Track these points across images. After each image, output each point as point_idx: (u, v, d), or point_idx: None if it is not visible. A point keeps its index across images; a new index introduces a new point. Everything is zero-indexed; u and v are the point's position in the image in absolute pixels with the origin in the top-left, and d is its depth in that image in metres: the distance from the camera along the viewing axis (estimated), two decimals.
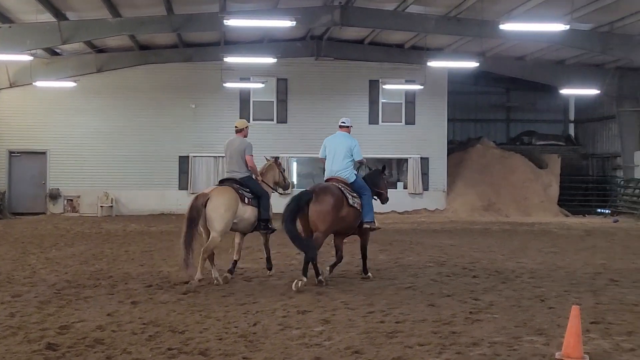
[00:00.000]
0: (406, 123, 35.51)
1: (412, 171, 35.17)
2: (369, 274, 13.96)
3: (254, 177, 14.13)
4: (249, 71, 33.71)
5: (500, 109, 42.83)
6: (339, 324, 9.78)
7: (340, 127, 14.21)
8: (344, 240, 14.36)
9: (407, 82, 34.82)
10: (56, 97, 33.06)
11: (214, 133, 34.07)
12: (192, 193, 33.63)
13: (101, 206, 33.09)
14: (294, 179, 36.12)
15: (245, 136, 14.30)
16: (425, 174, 35.22)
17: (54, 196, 33.38)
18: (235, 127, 14.43)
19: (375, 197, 14.44)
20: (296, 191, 31.65)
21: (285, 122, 34.87)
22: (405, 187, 35.46)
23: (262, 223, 13.92)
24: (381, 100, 35.42)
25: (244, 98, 34.55)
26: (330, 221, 12.78)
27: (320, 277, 13.06)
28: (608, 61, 33.81)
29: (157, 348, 8.43)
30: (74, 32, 26.84)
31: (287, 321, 9.97)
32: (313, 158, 36.06)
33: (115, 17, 26.41)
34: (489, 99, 42.63)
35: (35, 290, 12.30)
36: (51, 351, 8.26)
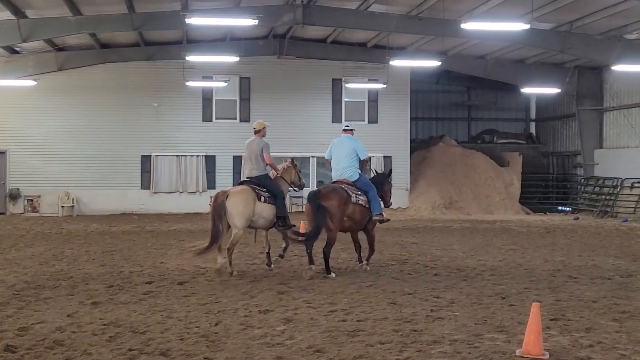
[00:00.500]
0: (369, 122, 35.56)
1: (376, 169, 35.20)
2: (367, 266, 15.02)
3: (270, 174, 15.17)
4: (212, 70, 33.57)
5: (462, 107, 43.06)
6: (300, 323, 9.80)
7: (344, 130, 15.40)
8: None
9: (370, 80, 34.88)
10: (16, 96, 32.64)
11: (177, 132, 33.97)
12: (155, 192, 33.55)
13: (62, 206, 32.76)
14: None
15: (263, 136, 15.27)
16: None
17: (14, 196, 32.98)
18: (254, 128, 15.38)
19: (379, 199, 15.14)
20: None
21: (248, 121, 34.63)
22: None
23: (280, 220, 14.66)
24: (344, 99, 35.43)
25: (207, 97, 34.40)
26: (339, 219, 13.84)
27: (312, 266, 13.98)
28: (568, 60, 34.15)
29: (117, 349, 8.38)
30: (34, 30, 26.52)
31: (248, 321, 9.96)
32: (276, 157, 36.01)
33: (76, 15, 26.15)
34: (450, 97, 42.86)
35: None
36: (10, 353, 8.18)
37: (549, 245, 20.35)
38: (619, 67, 28.80)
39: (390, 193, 15.94)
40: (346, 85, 34.78)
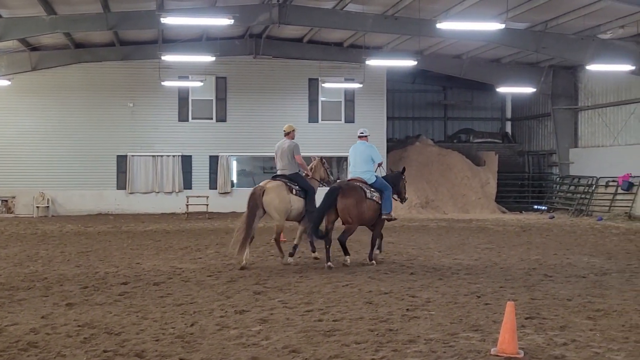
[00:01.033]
0: (346, 121, 35.60)
1: None
2: (374, 261, 15.84)
3: (301, 173, 16.25)
4: (188, 69, 33.49)
5: (438, 107, 43.21)
6: (276, 323, 9.78)
7: (360, 137, 16.10)
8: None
9: (346, 80, 34.94)
10: None
11: (153, 132, 33.86)
12: (131, 193, 33.40)
13: (37, 207, 32.54)
14: (234, 178, 36.00)
15: (293, 138, 16.31)
16: None
17: None
18: (284, 131, 16.50)
19: (395, 195, 16.34)
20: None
21: (225, 120, 34.71)
22: None
23: (310, 213, 15.67)
24: (321, 98, 35.47)
25: (183, 96, 34.30)
26: (357, 214, 15.06)
27: (315, 254, 16.10)
28: (543, 60, 34.35)
29: (92, 350, 8.32)
30: (8, 30, 26.35)
31: (224, 321, 9.93)
32: (253, 157, 36.05)
33: (50, 14, 25.99)
34: (426, 97, 43.00)
35: None
36: None
37: (525, 244, 20.45)
38: (593, 67, 29.01)
39: (405, 189, 17.00)
40: (323, 84, 34.81)
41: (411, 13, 26.81)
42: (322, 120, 35.38)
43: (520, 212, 35.77)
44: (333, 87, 34.87)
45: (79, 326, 9.56)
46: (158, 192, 33.94)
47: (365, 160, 15.67)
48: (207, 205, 31.69)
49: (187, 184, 34.05)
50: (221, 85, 34.66)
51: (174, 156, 33.98)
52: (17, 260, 16.68)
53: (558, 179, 37.20)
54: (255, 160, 36.94)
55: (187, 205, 31.61)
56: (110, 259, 16.78)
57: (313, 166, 16.92)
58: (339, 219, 15.42)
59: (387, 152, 36.06)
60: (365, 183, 15.51)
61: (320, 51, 34.36)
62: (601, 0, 23.79)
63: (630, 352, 8.30)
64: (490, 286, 12.83)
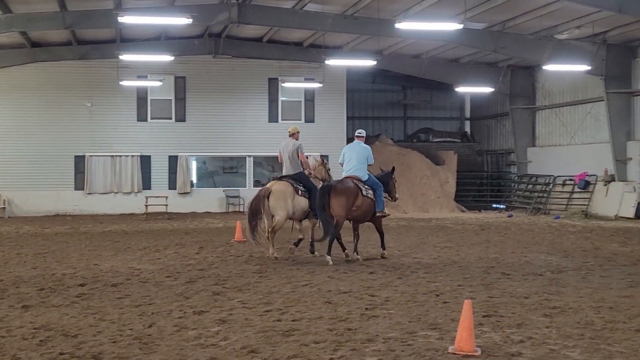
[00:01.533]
0: (306, 121, 35.60)
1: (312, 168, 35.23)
2: (385, 252, 16.80)
3: (305, 172, 16.92)
4: (146, 69, 33.28)
5: (397, 106, 43.36)
6: (235, 324, 9.75)
7: (357, 137, 16.85)
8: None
9: (306, 80, 34.96)
10: None
11: (111, 132, 33.61)
12: (89, 193, 33.11)
13: None
14: (193, 178, 35.84)
15: (297, 139, 16.91)
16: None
17: None
18: (289, 132, 17.06)
19: (385, 194, 16.97)
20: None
21: (184, 120, 34.55)
22: None
23: (313, 211, 16.51)
24: (280, 98, 35.45)
25: (141, 96, 34.08)
26: (347, 208, 15.64)
27: (346, 252, 16.37)
28: (501, 60, 34.65)
29: (48, 353, 8.23)
30: None
31: (183, 322, 9.88)
32: (213, 157, 35.92)
33: (6, 13, 25.67)
34: (386, 96, 43.13)
35: None
36: None
37: (483, 242, 20.60)
38: (550, 67, 29.35)
39: (395, 188, 17.61)
40: (282, 84, 34.81)
41: (370, 13, 26.89)
42: (282, 119, 35.34)
43: (479, 210, 36.04)
44: (293, 86, 34.87)
45: (35, 329, 9.44)
46: (117, 193, 33.69)
47: (361, 159, 16.31)
48: (167, 205, 31.51)
49: (146, 184, 33.85)
50: (180, 85, 34.49)
51: (132, 156, 33.75)
52: None
53: (516, 177, 37.56)
54: (215, 160, 36.80)
55: (146, 205, 31.40)
56: (67, 261, 16.61)
57: (316, 166, 17.69)
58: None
59: None
60: (360, 180, 16.16)
61: (280, 51, 34.33)
62: (558, 1, 24.03)
63: (585, 349, 8.40)
64: (448, 285, 12.91)
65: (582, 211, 30.75)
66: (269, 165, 37.23)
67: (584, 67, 28.71)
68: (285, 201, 16.15)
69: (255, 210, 16.07)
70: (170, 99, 34.49)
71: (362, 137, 16.88)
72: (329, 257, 15.72)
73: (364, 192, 15.99)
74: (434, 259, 16.58)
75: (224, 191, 34.70)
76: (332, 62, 30.99)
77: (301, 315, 10.28)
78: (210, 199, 34.52)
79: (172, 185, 34.10)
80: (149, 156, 33.99)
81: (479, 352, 8.13)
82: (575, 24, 27.03)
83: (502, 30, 28.47)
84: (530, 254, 17.71)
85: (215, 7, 27.08)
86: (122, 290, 12.49)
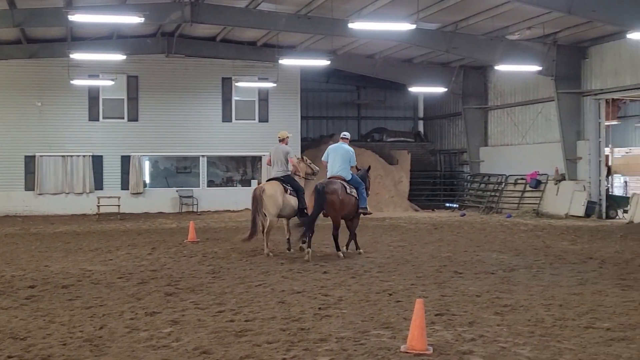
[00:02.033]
0: (260, 120, 35.55)
1: (266, 169, 35.17)
2: (360, 250, 17.59)
3: (296, 176, 17.95)
4: (98, 68, 32.90)
5: (351, 106, 43.44)
6: (188, 325, 9.70)
7: (342, 139, 17.66)
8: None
9: (260, 79, 34.89)
10: None
11: (62, 131, 33.21)
12: (40, 194, 32.68)
13: None
14: (146, 179, 35.55)
15: (286, 144, 17.88)
16: None
17: None
18: (279, 137, 17.95)
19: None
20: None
21: (137, 120, 34.26)
22: (259, 185, 35.44)
23: (300, 211, 17.45)
24: (234, 97, 35.31)
25: (93, 95, 33.71)
26: (339, 208, 16.56)
27: (341, 251, 17.03)
28: (453, 60, 34.89)
29: None
30: None
31: (134, 323, 9.81)
32: (166, 156, 35.68)
33: None
34: (340, 96, 43.17)
35: None
36: None
37: (436, 241, 20.73)
38: (501, 67, 29.64)
39: (369, 186, 18.43)
40: (236, 84, 34.68)
41: (324, 13, 26.90)
42: (235, 119, 35.25)
43: (433, 210, 36.26)
44: (247, 86, 34.77)
45: None
46: (68, 193, 33.29)
47: (345, 160, 17.06)
48: (119, 206, 31.23)
49: (98, 185, 33.51)
50: (133, 84, 34.19)
51: (84, 156, 33.38)
52: None
53: (469, 177, 37.87)
54: (168, 160, 36.56)
55: (98, 206, 31.10)
56: (17, 262, 16.38)
57: (298, 164, 18.39)
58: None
59: (302, 151, 36.05)
60: (345, 180, 16.94)
61: (234, 50, 34.19)
62: (509, 2, 24.26)
63: (535, 346, 8.50)
64: (401, 284, 12.97)
65: (534, 210, 31.11)
66: (223, 165, 37.12)
67: (535, 68, 29.05)
68: (276, 199, 17.04)
69: (255, 215, 17.04)
70: (123, 99, 34.16)
71: (347, 139, 17.67)
72: (341, 252, 16.89)
73: (348, 191, 16.81)
74: (388, 258, 16.64)
75: (177, 191, 34.49)
76: (286, 61, 30.98)
77: (254, 315, 10.27)
78: (163, 199, 34.29)
79: (124, 185, 33.79)
80: (101, 156, 33.64)
81: (430, 351, 8.19)
82: (526, 24, 27.34)
83: (455, 30, 28.68)
84: (483, 252, 17.87)
85: (167, 6, 26.89)
86: (72, 292, 12.35)
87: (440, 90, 35.59)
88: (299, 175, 18.14)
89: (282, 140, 17.87)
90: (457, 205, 36.62)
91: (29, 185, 33.06)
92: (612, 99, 30.47)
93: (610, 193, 30.87)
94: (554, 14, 25.22)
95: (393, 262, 15.93)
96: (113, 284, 13.19)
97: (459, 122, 38.58)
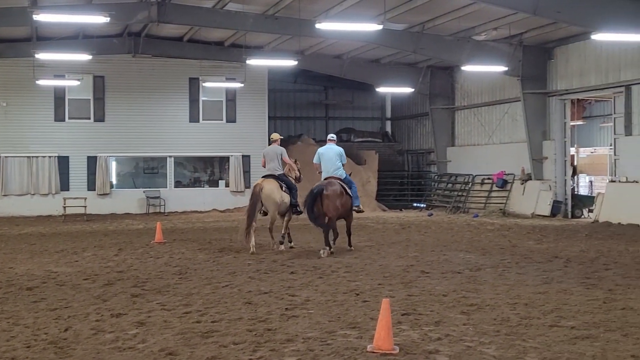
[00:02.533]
0: (227, 121, 35.48)
1: (234, 169, 35.16)
2: (352, 247, 18.27)
3: (291, 176, 19.07)
4: (64, 68, 32.61)
5: (319, 106, 43.47)
6: (154, 326, 9.66)
7: (330, 140, 18.69)
8: None
9: (228, 80, 34.79)
10: None
11: (27, 132, 32.88)
12: (5, 195, 32.35)
13: None
14: (113, 179, 35.35)
15: (279, 144, 19.05)
16: (246, 172, 35.27)
17: None
18: (271, 138, 19.21)
19: None
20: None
21: (103, 120, 34.02)
22: (227, 185, 35.42)
23: (293, 207, 18.61)
24: (201, 98, 35.19)
25: (59, 96, 33.41)
26: (337, 207, 17.24)
27: (334, 246, 17.62)
28: (420, 60, 35.02)
29: None
30: None
31: (100, 325, 9.75)
32: (133, 157, 35.49)
33: None
34: (308, 96, 43.20)
35: None
36: None
37: (404, 241, 20.80)
38: (468, 67, 29.79)
39: None
40: (203, 84, 34.55)
41: (291, 13, 26.88)
42: (203, 119, 35.15)
43: (400, 209, 36.37)
44: (214, 86, 34.65)
45: None
46: (33, 194, 32.97)
47: (336, 159, 17.97)
48: (85, 207, 31.02)
49: (64, 186, 33.23)
50: (99, 85, 33.95)
51: (50, 157, 33.08)
52: None
53: (436, 177, 38.02)
54: (134, 160, 36.37)
55: (64, 207, 30.87)
56: None
57: (290, 167, 19.30)
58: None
59: None
60: (340, 180, 17.76)
61: (201, 50, 34.06)
62: (475, 3, 24.39)
63: (500, 345, 8.56)
64: (368, 283, 13.00)
65: (500, 209, 31.30)
66: (190, 165, 36.99)
67: (501, 68, 29.23)
68: (274, 195, 17.97)
69: (254, 209, 17.66)
70: (89, 99, 33.90)
71: (334, 140, 18.74)
72: (328, 249, 17.29)
73: (347, 191, 17.71)
74: (355, 258, 16.67)
75: (144, 192, 34.29)
76: (253, 62, 30.92)
77: (221, 316, 10.24)
78: (130, 200, 34.08)
79: (91, 186, 33.53)
80: (67, 157, 33.36)
81: (397, 351, 8.22)
82: (492, 25, 27.50)
83: (422, 31, 28.78)
84: (449, 252, 17.95)
85: (134, 5, 26.73)
86: (37, 293, 12.25)
87: (407, 90, 35.73)
88: (291, 176, 19.10)
89: (275, 142, 18.99)
90: (425, 205, 36.76)
91: None
92: (577, 99, 30.81)
93: (575, 192, 31.20)
94: (520, 15, 25.39)
95: (360, 262, 15.95)
96: (78, 285, 13.10)
97: (427, 123, 38.72)
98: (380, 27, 23.84)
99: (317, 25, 23.59)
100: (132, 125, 33.95)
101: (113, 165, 35.65)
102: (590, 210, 28.96)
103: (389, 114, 43.88)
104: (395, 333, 8.75)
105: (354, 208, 18.23)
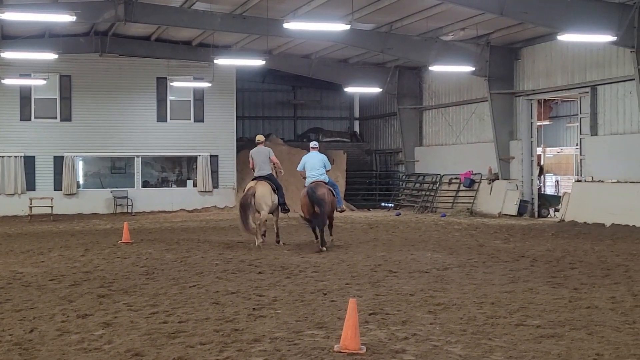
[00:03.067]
0: (195, 121, 35.33)
1: (202, 169, 35.03)
2: (332, 238, 19.71)
3: (279, 173, 20.17)
4: (30, 67, 32.25)
5: (288, 106, 43.46)
6: (120, 327, 9.62)
7: (313, 148, 19.91)
8: None
9: (196, 79, 34.64)
10: None
11: None
12: None
13: None
14: (80, 179, 35.08)
15: (264, 145, 20.13)
16: (214, 172, 35.17)
17: None
18: (258, 140, 20.26)
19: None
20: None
21: (70, 120, 33.73)
22: (195, 185, 35.28)
23: (281, 205, 19.74)
24: (169, 97, 35.00)
25: (25, 95, 33.07)
26: (329, 205, 18.57)
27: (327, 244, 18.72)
28: (388, 60, 35.11)
29: None
30: None
31: (66, 326, 9.68)
32: (100, 157, 35.25)
33: None
34: (276, 96, 43.16)
35: None
36: None
37: (372, 240, 20.84)
38: (436, 68, 29.91)
39: None
40: (171, 83, 34.35)
41: (259, 12, 26.83)
42: (170, 119, 34.95)
43: (368, 209, 36.45)
44: (182, 86, 34.49)
45: None
46: None
47: (321, 166, 19.18)
48: (52, 207, 30.79)
49: (30, 186, 32.90)
50: (65, 84, 33.65)
51: (16, 157, 32.73)
52: None
53: (404, 176, 38.14)
54: (102, 161, 36.13)
55: (30, 207, 30.61)
56: None
57: (278, 164, 20.30)
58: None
59: (237, 151, 35.98)
60: (325, 183, 19.03)
61: (169, 50, 33.90)
62: (442, 3, 24.49)
63: (467, 344, 8.61)
64: (336, 283, 13.03)
65: (467, 209, 31.47)
66: (158, 165, 36.81)
67: (468, 68, 29.40)
68: (267, 197, 19.03)
69: (245, 206, 18.62)
70: (55, 98, 33.59)
71: (317, 147, 19.98)
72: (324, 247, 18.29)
73: (333, 193, 19.07)
74: (323, 258, 16.69)
75: (111, 192, 34.05)
76: (221, 61, 30.82)
77: (188, 316, 10.22)
78: (97, 200, 33.83)
79: (57, 186, 33.23)
80: (33, 156, 33.05)
81: (363, 350, 8.24)
82: (460, 25, 27.63)
83: (390, 31, 28.86)
84: (417, 251, 18.02)
85: (100, 4, 26.53)
86: (2, 294, 12.14)
87: (375, 90, 35.81)
88: (282, 172, 20.49)
89: (260, 143, 20.03)
90: (393, 205, 36.88)
91: None
92: (544, 99, 31.07)
93: (542, 192, 31.45)
94: (487, 16, 25.55)
95: (328, 262, 15.97)
96: (44, 286, 12.99)
97: (394, 122, 38.84)
98: (348, 27, 23.87)
99: (285, 25, 23.57)
100: (99, 125, 33.70)
101: (80, 165, 35.37)
102: (557, 210, 29.22)
103: (357, 114, 43.98)
104: (362, 333, 8.78)
105: (337, 209, 19.74)
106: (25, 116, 33.10)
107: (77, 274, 14.51)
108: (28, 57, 30.27)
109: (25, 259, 16.96)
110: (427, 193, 34.98)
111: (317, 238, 18.78)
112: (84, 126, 33.57)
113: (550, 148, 37.03)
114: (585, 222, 25.23)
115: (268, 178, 19.55)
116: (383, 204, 37.75)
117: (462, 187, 32.87)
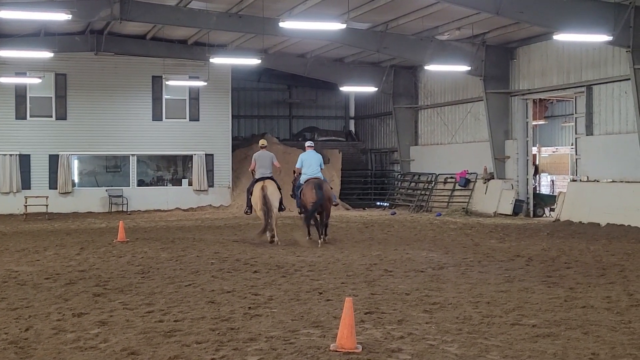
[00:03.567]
0: (190, 119, 35.30)
1: (197, 168, 35.01)
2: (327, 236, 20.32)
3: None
4: (25, 66, 32.18)
5: (283, 105, 43.43)
6: (116, 326, 9.61)
7: (309, 147, 20.99)
8: None
9: (191, 78, 34.60)
10: None
11: None
12: None
13: None
14: (75, 178, 35.04)
15: (268, 150, 20.91)
16: (210, 171, 35.15)
17: None
18: (261, 145, 21.07)
19: None
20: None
21: (65, 118, 33.68)
22: (190, 184, 35.25)
23: (280, 205, 20.38)
24: (165, 96, 34.97)
25: (20, 94, 33.03)
26: (329, 199, 19.82)
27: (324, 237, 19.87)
28: (384, 60, 35.13)
29: None
30: None
31: (61, 325, 9.67)
32: (95, 155, 35.22)
33: None
34: (272, 95, 43.14)
35: None
36: None
37: (367, 239, 20.87)
38: (431, 67, 29.91)
39: None
40: (167, 82, 34.34)
41: (255, 11, 26.83)
42: (166, 118, 34.91)
43: (364, 208, 36.43)
44: (177, 84, 34.46)
45: None
46: None
47: (317, 164, 20.24)
48: (47, 205, 30.75)
49: (26, 184, 32.87)
50: (61, 82, 33.60)
51: (11, 155, 32.68)
52: None
53: (399, 176, 38.15)
54: (97, 159, 36.10)
55: (26, 206, 30.58)
56: None
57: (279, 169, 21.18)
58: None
59: (233, 150, 35.99)
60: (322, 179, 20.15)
61: (164, 48, 33.87)
62: (438, 3, 24.50)
63: (462, 344, 8.62)
64: (332, 282, 13.04)
65: (463, 208, 31.48)
66: (153, 164, 36.79)
67: (464, 68, 29.39)
68: (277, 195, 20.03)
69: (269, 207, 19.55)
70: (51, 97, 33.53)
71: (313, 146, 21.04)
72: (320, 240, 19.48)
73: (330, 187, 20.60)
74: (318, 257, 16.70)
75: (106, 191, 34.02)
76: (217, 60, 30.78)
77: (183, 315, 10.22)
78: (92, 199, 33.80)
79: (52, 184, 33.20)
80: (29, 155, 33.00)
81: (359, 349, 8.25)
82: (455, 25, 27.64)
83: (385, 30, 28.86)
84: (412, 250, 18.04)
85: (96, 3, 26.49)
86: None
87: (371, 89, 35.80)
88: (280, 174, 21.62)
89: (264, 147, 20.79)
90: (388, 204, 36.88)
91: None
92: (540, 99, 31.09)
93: (537, 192, 31.47)
94: (483, 15, 25.56)
95: (324, 261, 15.98)
96: (40, 284, 12.98)
97: (390, 122, 38.84)
98: (343, 26, 23.86)
99: (281, 24, 23.56)
100: (94, 124, 33.66)
101: (75, 163, 35.34)
102: (552, 209, 29.25)
103: (352, 113, 43.97)
104: (358, 332, 8.78)
105: (334, 203, 20.78)
106: (20, 115, 33.06)
107: (72, 272, 14.50)
108: (23, 56, 30.25)
109: (21, 258, 16.94)
110: (423, 192, 34.99)
111: (309, 235, 19.87)
112: (80, 125, 33.53)
113: (546, 148, 37.04)
114: (580, 222, 25.28)
115: (272, 178, 20.41)
116: (378, 203, 37.75)
117: (457, 187, 32.91)
